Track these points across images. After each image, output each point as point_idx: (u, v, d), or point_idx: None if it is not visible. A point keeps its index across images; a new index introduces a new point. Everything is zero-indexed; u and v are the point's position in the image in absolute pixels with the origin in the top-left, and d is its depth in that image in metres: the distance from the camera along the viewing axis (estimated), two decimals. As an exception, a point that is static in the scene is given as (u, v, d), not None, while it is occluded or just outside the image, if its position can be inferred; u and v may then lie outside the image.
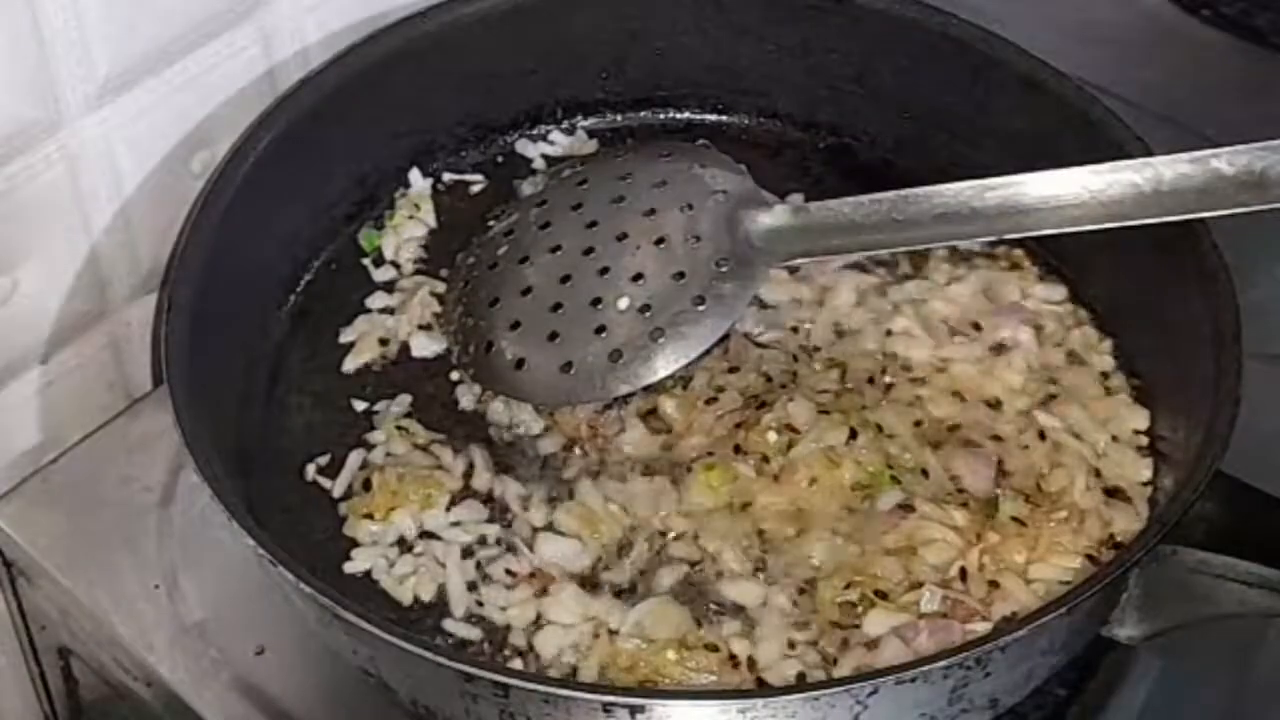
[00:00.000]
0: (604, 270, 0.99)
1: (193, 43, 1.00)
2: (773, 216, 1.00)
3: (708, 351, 0.99)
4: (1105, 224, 0.93)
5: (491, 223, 1.07)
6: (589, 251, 1.00)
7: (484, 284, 1.03)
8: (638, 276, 0.99)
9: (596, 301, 0.99)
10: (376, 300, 1.07)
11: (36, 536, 1.01)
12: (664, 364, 0.97)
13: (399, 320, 1.05)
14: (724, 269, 0.98)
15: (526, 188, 1.11)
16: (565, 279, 1.00)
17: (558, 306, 0.99)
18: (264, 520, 0.92)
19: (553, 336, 0.99)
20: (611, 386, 0.98)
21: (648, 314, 0.98)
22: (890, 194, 0.97)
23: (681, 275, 0.98)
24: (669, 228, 1.00)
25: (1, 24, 0.91)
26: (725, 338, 1.00)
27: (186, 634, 0.97)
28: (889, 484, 0.96)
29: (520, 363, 0.99)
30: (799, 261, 1.03)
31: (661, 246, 0.99)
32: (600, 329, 0.98)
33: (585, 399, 0.99)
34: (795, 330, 1.03)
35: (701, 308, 0.98)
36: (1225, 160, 0.90)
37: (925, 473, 0.96)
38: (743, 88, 1.14)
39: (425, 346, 1.04)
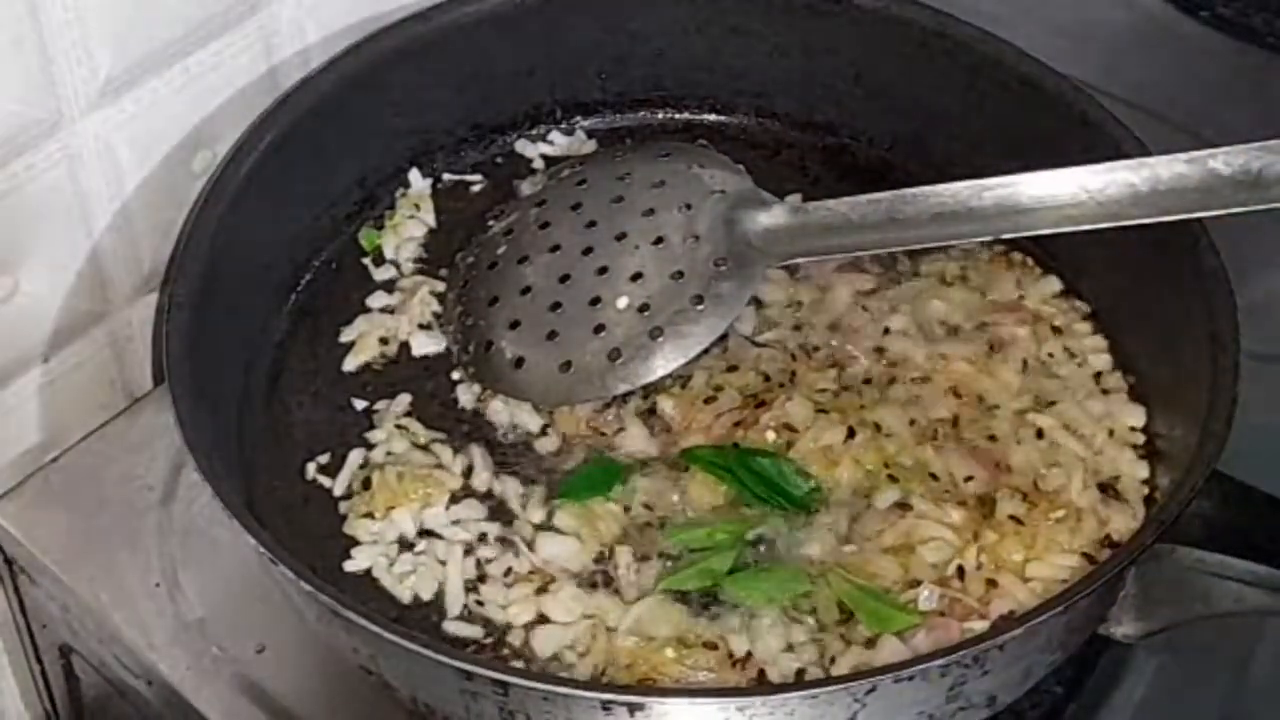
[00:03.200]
0: (603, 270, 1.00)
1: (194, 43, 1.00)
2: (771, 216, 1.00)
3: (706, 351, 0.99)
4: (1102, 223, 0.92)
5: (491, 222, 1.07)
6: (588, 251, 1.01)
7: (483, 283, 1.03)
8: (636, 276, 0.99)
9: (595, 301, 0.99)
10: (377, 299, 1.07)
11: (38, 535, 1.01)
12: (662, 363, 0.98)
13: (399, 319, 1.05)
14: (722, 268, 0.99)
15: (526, 187, 1.11)
16: (564, 278, 1.00)
17: (557, 306, 1.00)
18: (264, 519, 0.92)
19: (552, 336, 0.99)
20: (610, 385, 0.98)
21: (646, 313, 0.98)
22: (888, 194, 0.97)
23: (680, 275, 0.98)
24: (668, 227, 1.00)
25: (2, 24, 0.91)
26: (724, 337, 1.00)
27: (187, 632, 0.97)
28: (887, 483, 0.96)
29: (519, 362, 0.99)
30: (797, 261, 1.03)
31: (660, 246, 0.99)
32: (599, 328, 0.98)
33: (584, 398, 0.99)
34: (794, 329, 1.03)
35: (700, 307, 0.98)
36: (1222, 160, 0.90)
37: (923, 472, 0.96)
38: (741, 88, 1.14)
39: (425, 345, 1.04)
